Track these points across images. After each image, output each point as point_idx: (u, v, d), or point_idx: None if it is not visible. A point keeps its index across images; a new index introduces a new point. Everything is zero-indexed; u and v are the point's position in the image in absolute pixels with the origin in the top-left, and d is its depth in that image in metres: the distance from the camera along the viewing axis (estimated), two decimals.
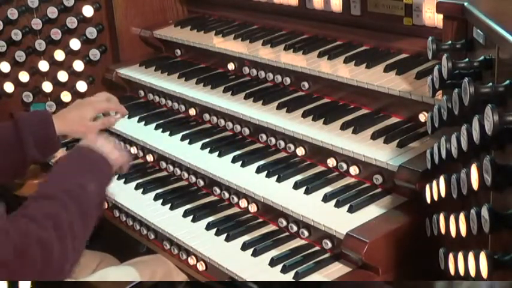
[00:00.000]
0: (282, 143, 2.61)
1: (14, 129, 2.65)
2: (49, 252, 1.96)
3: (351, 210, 2.21)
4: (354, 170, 2.36)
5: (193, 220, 2.53)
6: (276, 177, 2.46)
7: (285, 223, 2.37)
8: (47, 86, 3.64)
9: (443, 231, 1.78)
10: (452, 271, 1.69)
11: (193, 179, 2.74)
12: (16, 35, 3.54)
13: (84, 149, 2.40)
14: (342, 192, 2.31)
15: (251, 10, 3.31)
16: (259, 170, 2.52)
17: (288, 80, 2.81)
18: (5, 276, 1.89)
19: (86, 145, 2.41)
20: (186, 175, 2.78)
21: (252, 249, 2.30)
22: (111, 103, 3.09)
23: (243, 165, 2.58)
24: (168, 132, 2.93)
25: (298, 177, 2.44)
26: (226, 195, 2.59)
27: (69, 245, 2.04)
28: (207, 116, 2.93)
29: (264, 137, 2.67)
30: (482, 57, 1.70)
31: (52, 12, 3.49)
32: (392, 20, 2.68)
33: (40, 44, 3.55)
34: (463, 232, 1.60)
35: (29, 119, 2.71)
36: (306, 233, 2.30)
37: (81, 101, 3.03)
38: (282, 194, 2.38)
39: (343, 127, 2.45)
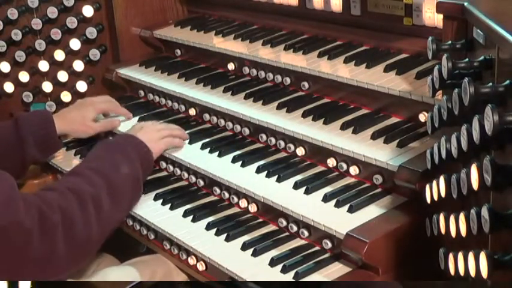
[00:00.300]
0: (282, 143, 2.61)
1: (14, 129, 2.65)
2: (70, 219, 2.04)
3: (351, 210, 2.21)
4: (354, 170, 2.36)
5: (193, 220, 2.53)
6: (276, 177, 2.46)
7: (285, 223, 2.36)
8: (47, 86, 3.64)
9: (443, 231, 1.78)
10: (452, 271, 1.69)
11: (193, 179, 2.74)
12: (16, 35, 3.54)
13: (122, 136, 2.54)
14: (342, 192, 2.31)
15: (251, 10, 3.31)
16: (259, 170, 2.52)
17: (288, 80, 2.81)
18: (31, 242, 1.93)
19: (126, 133, 2.51)
20: (186, 175, 2.78)
21: (252, 249, 2.30)
22: (112, 104, 3.09)
23: (243, 165, 2.58)
24: None
25: (298, 177, 2.44)
26: (226, 195, 2.59)
27: (93, 217, 2.12)
28: (207, 116, 2.93)
29: (264, 137, 2.67)
30: (482, 57, 1.69)
31: (52, 12, 3.49)
32: (392, 20, 2.68)
33: (40, 44, 3.55)
34: (463, 232, 1.60)
35: (29, 119, 2.72)
36: (306, 233, 2.30)
37: (82, 100, 3.04)
38: (282, 194, 2.38)
39: (343, 127, 2.45)
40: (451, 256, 1.69)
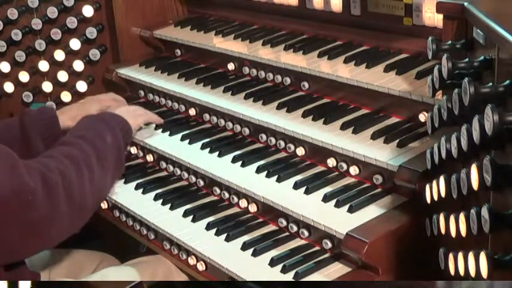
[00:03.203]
0: (282, 143, 2.61)
1: (20, 126, 2.67)
2: (69, 180, 2.14)
3: (351, 210, 2.21)
4: (354, 170, 2.36)
5: (193, 220, 2.53)
6: (276, 177, 2.46)
7: (285, 223, 2.37)
8: (47, 86, 3.64)
9: (443, 231, 1.78)
10: (452, 271, 1.69)
11: (193, 179, 2.74)
12: (16, 35, 3.54)
13: (103, 113, 2.72)
14: (342, 192, 2.31)
15: (251, 10, 3.31)
16: (259, 170, 2.52)
17: (288, 80, 2.81)
18: (37, 202, 2.01)
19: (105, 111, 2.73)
20: (186, 175, 2.78)
21: (252, 249, 2.30)
22: (118, 102, 3.10)
23: (243, 165, 2.58)
24: (168, 132, 2.93)
25: (298, 177, 2.44)
26: (226, 195, 2.59)
27: (87, 180, 2.23)
28: (207, 116, 2.93)
29: (264, 137, 2.67)
30: (482, 57, 1.70)
31: (52, 12, 3.49)
32: (392, 20, 2.68)
33: (40, 44, 3.55)
34: (463, 232, 1.60)
35: (34, 115, 2.73)
36: (306, 233, 2.30)
37: (88, 98, 3.07)
38: (282, 194, 2.38)
39: (343, 127, 2.45)
40: (451, 256, 1.69)
